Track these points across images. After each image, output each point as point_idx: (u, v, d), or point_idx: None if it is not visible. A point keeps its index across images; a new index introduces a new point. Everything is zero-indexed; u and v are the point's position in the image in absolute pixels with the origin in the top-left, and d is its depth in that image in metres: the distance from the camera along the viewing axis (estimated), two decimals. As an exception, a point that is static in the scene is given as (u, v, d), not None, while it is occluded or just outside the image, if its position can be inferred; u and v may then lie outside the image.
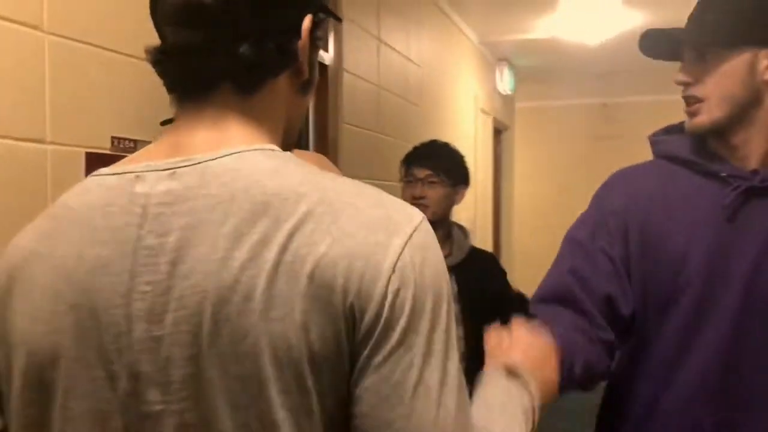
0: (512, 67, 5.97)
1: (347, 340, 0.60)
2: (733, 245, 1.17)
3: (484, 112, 5.10)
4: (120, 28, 1.57)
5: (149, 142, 0.78)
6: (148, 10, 0.71)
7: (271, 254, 0.60)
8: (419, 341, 0.61)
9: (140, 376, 0.63)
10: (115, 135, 1.54)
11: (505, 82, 5.89)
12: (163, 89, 0.72)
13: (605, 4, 4.43)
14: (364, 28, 3.01)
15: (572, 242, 1.27)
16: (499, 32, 5.11)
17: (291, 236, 0.60)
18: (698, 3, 1.23)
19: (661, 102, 7.42)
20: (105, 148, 1.52)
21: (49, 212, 0.71)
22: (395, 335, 0.60)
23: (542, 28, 4.98)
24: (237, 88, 0.69)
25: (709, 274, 1.17)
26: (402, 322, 0.60)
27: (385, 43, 3.28)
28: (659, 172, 1.27)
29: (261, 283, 0.60)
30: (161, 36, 0.70)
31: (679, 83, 1.22)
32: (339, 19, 1.00)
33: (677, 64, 1.24)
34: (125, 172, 0.68)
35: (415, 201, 2.02)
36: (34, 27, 1.35)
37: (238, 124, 0.69)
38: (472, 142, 4.75)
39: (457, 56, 4.72)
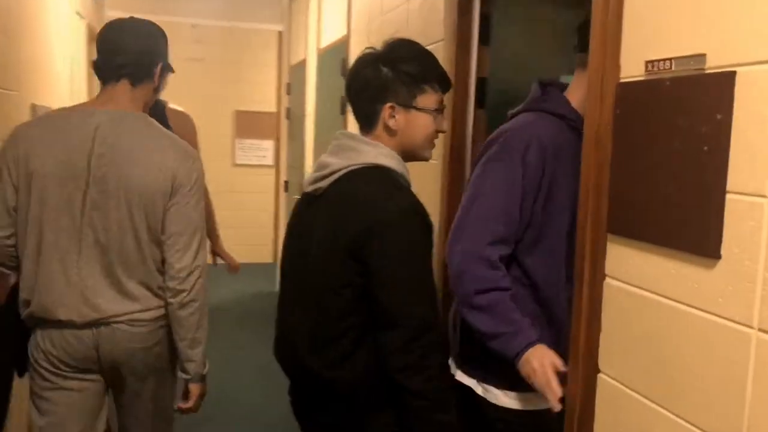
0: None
1: None
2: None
3: (79, 15, 4.47)
4: None
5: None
6: None
7: None
8: None
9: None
10: None
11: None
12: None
13: None
14: None
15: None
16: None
17: None
18: None
19: (235, 29, 7.70)
20: None
21: (37, 122, 1.98)
22: None
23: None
24: (131, 83, 1.90)
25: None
26: None
27: None
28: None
29: None
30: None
31: None
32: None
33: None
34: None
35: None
36: None
37: (128, 100, 1.92)
38: (67, 48, 4.13)
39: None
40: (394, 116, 1.56)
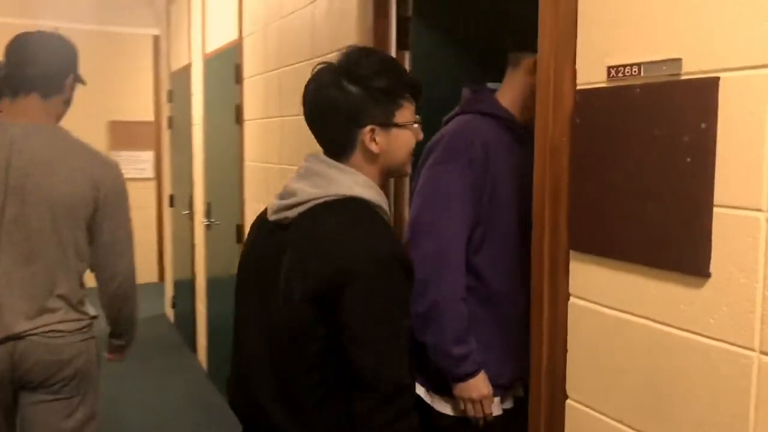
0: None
1: None
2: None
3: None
4: None
5: None
6: None
7: None
8: None
9: None
10: None
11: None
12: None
13: None
14: None
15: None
16: None
17: None
18: None
19: (105, 33, 7.15)
20: None
21: None
22: None
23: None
24: (42, 95, 1.89)
25: None
26: None
27: None
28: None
29: None
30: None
31: None
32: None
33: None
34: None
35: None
36: None
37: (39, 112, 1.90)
38: None
39: None
40: (374, 139, 1.35)
